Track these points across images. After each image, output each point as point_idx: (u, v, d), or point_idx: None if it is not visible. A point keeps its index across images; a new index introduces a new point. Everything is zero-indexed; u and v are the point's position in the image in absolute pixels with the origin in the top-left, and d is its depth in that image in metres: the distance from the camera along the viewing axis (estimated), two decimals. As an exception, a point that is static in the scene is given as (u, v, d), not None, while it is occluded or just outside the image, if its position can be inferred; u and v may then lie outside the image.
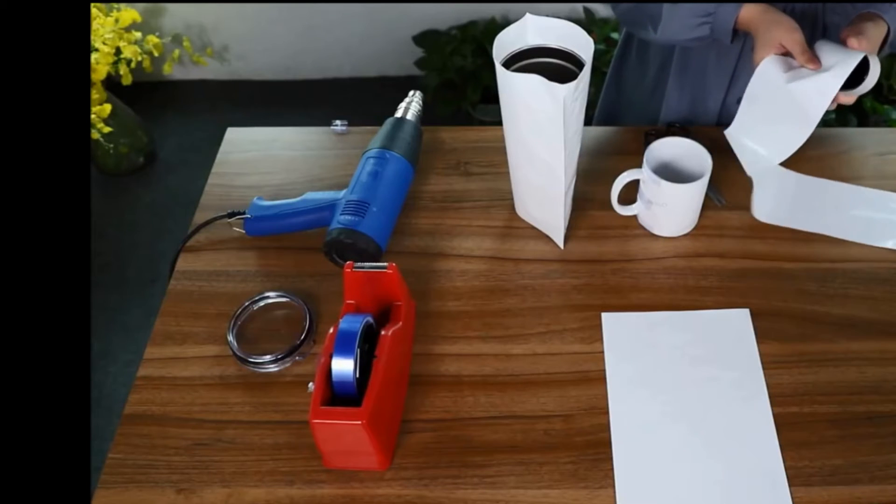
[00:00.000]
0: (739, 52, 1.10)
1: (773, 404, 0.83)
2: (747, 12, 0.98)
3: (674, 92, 1.16)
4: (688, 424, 0.83)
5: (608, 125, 1.32)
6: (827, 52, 0.93)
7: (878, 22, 0.96)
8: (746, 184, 1.02)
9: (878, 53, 0.97)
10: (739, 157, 1.01)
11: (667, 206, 0.96)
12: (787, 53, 0.95)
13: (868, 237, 0.98)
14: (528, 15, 0.87)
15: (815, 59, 0.92)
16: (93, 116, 1.95)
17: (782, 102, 0.95)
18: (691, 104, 1.17)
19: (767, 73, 0.95)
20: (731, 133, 1.02)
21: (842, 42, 0.94)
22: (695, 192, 0.95)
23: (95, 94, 1.99)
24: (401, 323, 0.84)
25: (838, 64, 0.90)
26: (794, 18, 0.96)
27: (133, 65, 2.01)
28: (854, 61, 0.90)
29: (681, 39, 1.05)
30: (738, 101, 1.13)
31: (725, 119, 1.16)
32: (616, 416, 0.83)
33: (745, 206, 1.01)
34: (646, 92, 1.22)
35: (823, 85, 0.91)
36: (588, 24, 2.25)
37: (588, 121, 1.38)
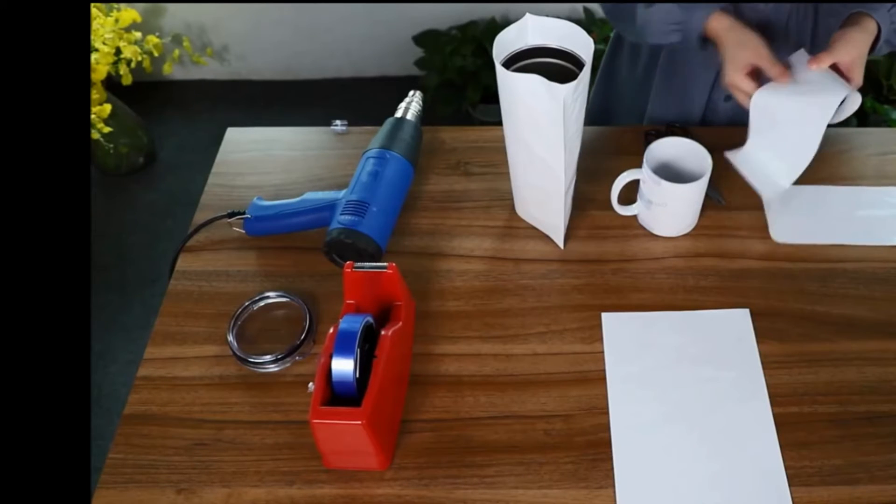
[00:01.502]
0: None
1: (773, 404, 0.83)
2: (715, 24, 0.98)
3: (660, 89, 1.17)
4: (688, 424, 0.83)
5: (599, 118, 1.32)
6: (809, 74, 0.92)
7: (865, 25, 0.95)
8: (747, 184, 1.02)
9: (871, 53, 0.96)
10: (751, 180, 0.99)
11: (667, 206, 0.96)
12: (757, 69, 0.95)
13: (883, 237, 0.98)
14: (528, 15, 0.87)
15: (786, 73, 0.92)
16: (93, 116, 1.95)
17: (782, 131, 0.94)
18: (678, 102, 1.17)
19: (763, 105, 0.93)
20: (738, 159, 0.99)
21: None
22: (695, 192, 0.95)
23: (95, 94, 1.99)
24: (401, 323, 0.84)
25: (824, 97, 0.90)
26: (788, 29, 0.96)
27: (133, 65, 2.01)
28: (837, 99, 0.89)
29: (659, 42, 1.07)
30: (725, 100, 1.14)
31: (711, 117, 1.16)
32: (616, 416, 0.83)
33: (746, 206, 1.01)
34: (636, 86, 1.22)
35: (813, 120, 0.91)
36: (588, 24, 2.25)
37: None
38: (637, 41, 1.13)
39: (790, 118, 0.92)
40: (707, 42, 1.02)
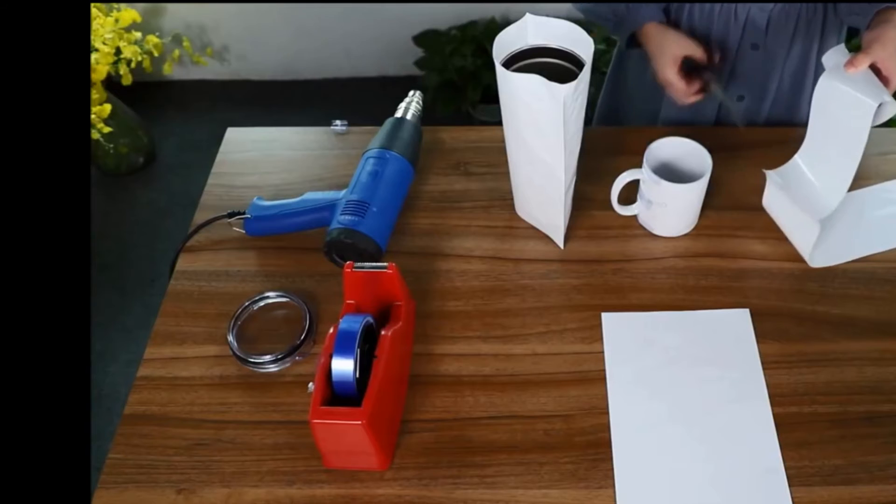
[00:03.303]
0: (736, 51, 1.10)
1: (773, 404, 0.83)
2: (645, 31, 1.06)
3: None
4: (688, 424, 0.83)
5: (609, 123, 1.32)
6: (846, 76, 0.91)
7: (895, 20, 0.93)
8: (747, 184, 1.02)
9: None
10: (795, 206, 0.94)
11: (667, 206, 0.96)
12: (689, 59, 1.01)
13: None
14: (528, 15, 0.87)
15: (711, 56, 1.00)
16: (93, 116, 1.95)
17: (833, 135, 0.93)
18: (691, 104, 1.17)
19: (823, 99, 0.93)
20: (782, 179, 0.97)
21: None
22: (695, 192, 0.95)
23: (95, 94, 1.98)
24: (401, 323, 0.84)
25: (862, 102, 0.88)
26: (797, 28, 1.00)
27: (133, 65, 2.01)
28: (875, 104, 0.88)
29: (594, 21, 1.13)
30: (737, 99, 1.14)
31: (724, 117, 1.16)
32: (616, 416, 0.83)
33: (746, 206, 1.01)
34: (647, 89, 1.22)
35: (854, 127, 0.90)
36: (588, 24, 2.25)
37: (588, 119, 1.38)
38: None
39: (837, 124, 0.92)
40: (637, 45, 1.09)
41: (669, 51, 1.02)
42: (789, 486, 0.78)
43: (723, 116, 1.17)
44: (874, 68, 0.92)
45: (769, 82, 1.13)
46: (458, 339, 0.90)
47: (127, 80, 2.04)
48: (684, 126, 1.10)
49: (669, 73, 1.03)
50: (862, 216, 1.00)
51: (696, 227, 1.00)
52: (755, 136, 1.03)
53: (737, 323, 0.90)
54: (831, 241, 0.97)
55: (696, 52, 1.02)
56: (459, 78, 2.22)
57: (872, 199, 1.02)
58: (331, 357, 0.76)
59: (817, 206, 0.94)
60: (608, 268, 0.96)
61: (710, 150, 0.95)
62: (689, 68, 1.04)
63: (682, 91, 1.04)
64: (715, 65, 1.04)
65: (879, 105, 0.88)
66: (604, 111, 1.35)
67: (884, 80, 0.92)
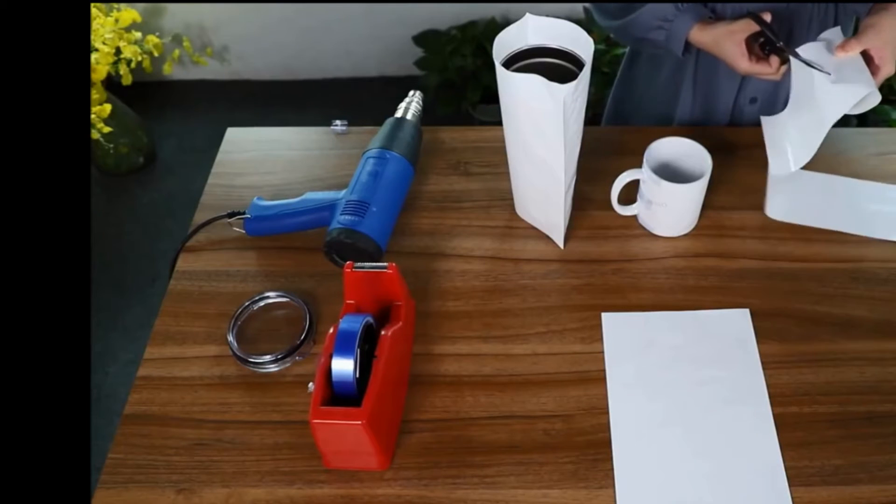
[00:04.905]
0: None
1: (773, 404, 0.83)
2: (697, 35, 1.02)
3: (689, 93, 1.16)
4: (688, 424, 0.83)
5: (618, 125, 1.32)
6: (837, 59, 0.92)
7: (894, 9, 0.93)
8: (747, 184, 1.02)
9: None
10: (768, 151, 0.99)
11: (667, 206, 0.96)
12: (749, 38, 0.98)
13: (882, 232, 0.98)
14: (528, 15, 0.87)
15: (767, 16, 0.96)
16: (93, 116, 1.95)
17: (808, 107, 0.94)
18: (706, 105, 1.16)
19: (801, 74, 0.93)
20: (769, 123, 0.99)
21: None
22: (695, 192, 0.95)
23: (95, 94, 1.99)
24: (401, 323, 0.84)
25: (844, 88, 0.89)
26: (812, 22, 1.01)
27: (133, 65, 2.01)
28: (858, 94, 0.89)
29: (635, 37, 1.09)
30: (751, 102, 1.14)
31: (737, 119, 1.16)
32: (616, 417, 0.83)
33: (745, 206, 1.02)
34: (658, 92, 1.21)
35: (830, 106, 0.91)
36: (588, 24, 2.23)
37: (597, 120, 1.38)
38: (617, 37, 1.14)
39: (815, 96, 0.92)
40: (689, 47, 1.05)
41: (736, 41, 0.98)
42: (789, 486, 0.78)
43: (735, 118, 1.17)
44: (867, 56, 0.91)
45: (781, 84, 1.13)
46: (458, 339, 0.90)
47: (127, 80, 2.04)
48: (687, 126, 1.10)
49: (743, 65, 0.98)
50: (856, 203, 1.01)
51: (696, 227, 1.00)
52: (755, 136, 1.03)
53: (737, 323, 0.90)
54: (803, 204, 1.00)
55: (749, 28, 0.97)
56: (459, 78, 2.22)
57: (873, 193, 1.02)
58: (331, 357, 0.76)
59: (779, 162, 0.98)
60: (608, 268, 0.96)
61: (710, 150, 0.95)
62: (756, 43, 1.00)
63: (768, 72, 0.98)
64: (772, 26, 0.98)
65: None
66: (612, 113, 1.34)
67: (875, 67, 0.92)
